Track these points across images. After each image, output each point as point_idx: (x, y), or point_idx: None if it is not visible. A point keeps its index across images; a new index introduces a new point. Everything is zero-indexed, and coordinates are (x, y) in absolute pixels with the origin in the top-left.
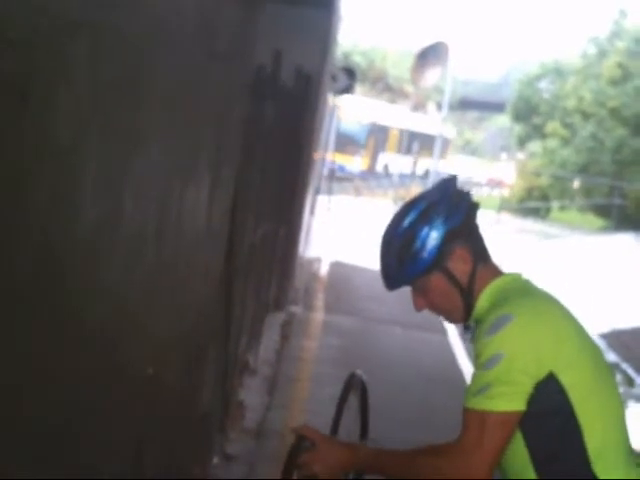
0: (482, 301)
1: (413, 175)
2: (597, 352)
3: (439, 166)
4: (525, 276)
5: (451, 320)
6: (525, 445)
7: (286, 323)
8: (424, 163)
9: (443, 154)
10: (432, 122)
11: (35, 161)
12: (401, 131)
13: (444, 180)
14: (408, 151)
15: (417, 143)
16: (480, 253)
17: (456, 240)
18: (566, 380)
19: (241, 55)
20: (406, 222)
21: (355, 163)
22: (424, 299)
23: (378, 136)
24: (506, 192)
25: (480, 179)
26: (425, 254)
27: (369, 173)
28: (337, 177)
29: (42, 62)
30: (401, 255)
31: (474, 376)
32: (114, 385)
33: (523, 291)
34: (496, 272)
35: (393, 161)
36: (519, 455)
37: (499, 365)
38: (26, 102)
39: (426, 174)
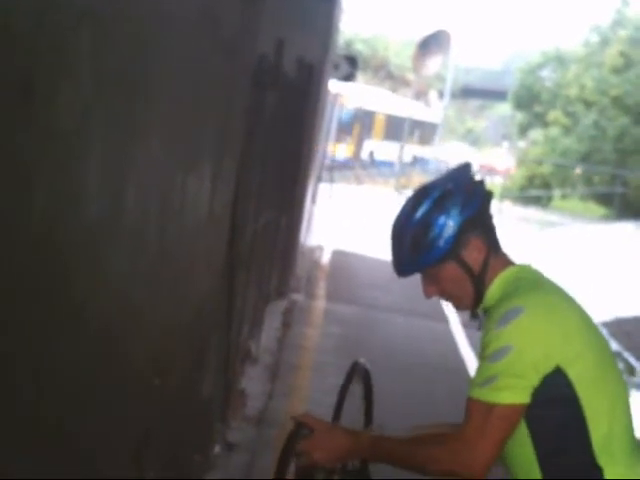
0: (492, 291)
1: (400, 162)
2: (604, 344)
3: (427, 152)
4: (535, 267)
5: (460, 307)
6: (530, 437)
7: (288, 311)
8: (411, 150)
9: (431, 140)
10: (420, 107)
11: (38, 153)
12: (388, 116)
13: (457, 168)
14: (393, 137)
15: (405, 129)
16: (493, 242)
17: (471, 230)
18: (573, 373)
19: (243, 45)
20: (421, 210)
21: (340, 150)
22: (435, 286)
23: (364, 122)
24: (499, 179)
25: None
26: (441, 243)
27: (354, 160)
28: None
29: (45, 54)
30: (416, 243)
31: (480, 367)
32: (116, 375)
33: (534, 283)
34: (507, 262)
35: (379, 148)
36: (523, 447)
37: (507, 357)
38: (29, 94)
39: (414, 161)
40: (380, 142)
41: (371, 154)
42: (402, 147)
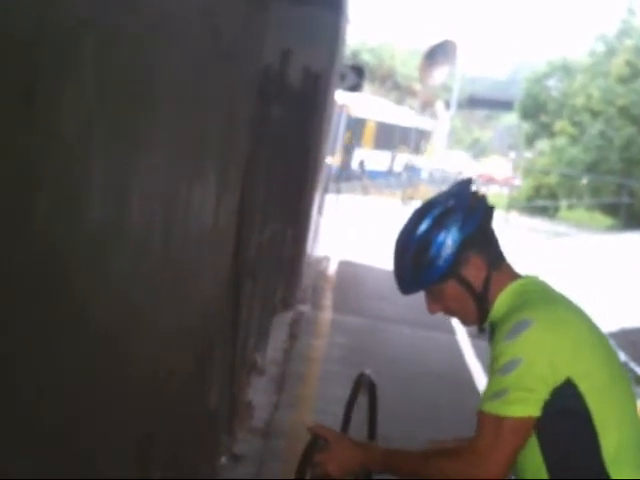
0: (499, 305)
1: (390, 172)
2: (613, 356)
3: (420, 161)
4: (542, 278)
5: (465, 323)
6: (540, 448)
7: (294, 322)
8: (403, 158)
9: (423, 149)
10: (411, 114)
11: (40, 160)
12: (378, 124)
13: (459, 184)
14: (384, 146)
15: (396, 137)
16: (495, 258)
17: (472, 247)
18: (583, 385)
19: (249, 55)
20: (422, 228)
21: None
22: (438, 303)
23: (354, 130)
24: (496, 188)
25: (471, 175)
26: (441, 262)
27: (343, 170)
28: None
29: (48, 61)
30: (416, 262)
31: (490, 380)
32: (121, 384)
33: (542, 295)
34: (512, 275)
35: (369, 157)
36: (533, 458)
37: (517, 370)
38: (31, 101)
39: (405, 170)
40: (370, 151)
41: (361, 163)
42: (394, 156)
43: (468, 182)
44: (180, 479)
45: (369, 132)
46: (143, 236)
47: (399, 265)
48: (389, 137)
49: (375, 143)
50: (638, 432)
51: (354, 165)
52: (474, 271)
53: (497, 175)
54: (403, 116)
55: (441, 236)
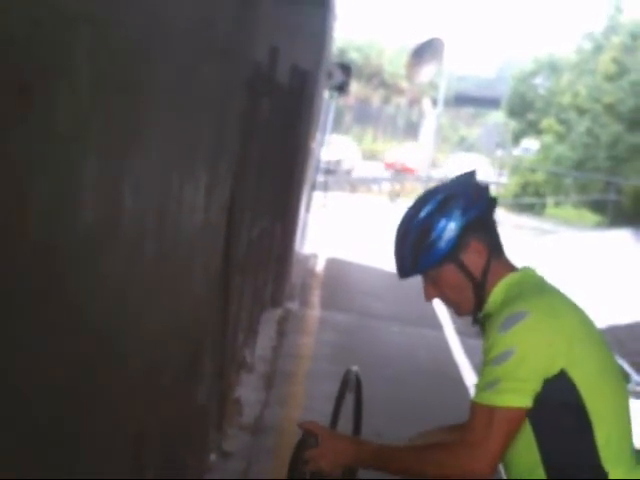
0: (495, 296)
1: None
2: (605, 349)
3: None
4: (538, 272)
5: (460, 312)
6: (535, 440)
7: (282, 319)
8: None
9: None
10: None
11: (35, 155)
12: None
13: (463, 174)
14: None
15: None
16: (495, 248)
17: (473, 233)
18: (577, 377)
19: (238, 52)
20: (424, 212)
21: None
22: (435, 289)
23: None
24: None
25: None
26: (442, 245)
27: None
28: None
29: (43, 57)
30: (417, 245)
31: (483, 371)
32: (112, 381)
33: (537, 288)
34: (510, 267)
35: None
36: (528, 450)
37: (509, 361)
38: (27, 96)
39: None
40: None
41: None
42: None
43: (472, 173)
44: (171, 477)
45: None
46: (135, 232)
47: (400, 249)
48: None
49: None
50: (630, 423)
51: None
52: (474, 257)
53: (410, 164)
54: None
55: (443, 221)
